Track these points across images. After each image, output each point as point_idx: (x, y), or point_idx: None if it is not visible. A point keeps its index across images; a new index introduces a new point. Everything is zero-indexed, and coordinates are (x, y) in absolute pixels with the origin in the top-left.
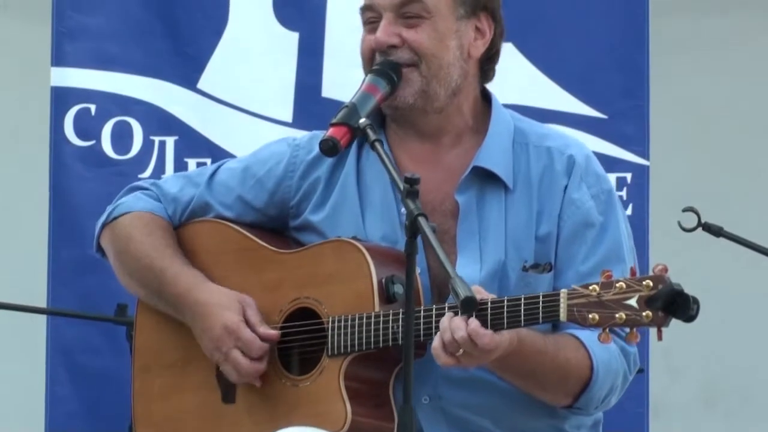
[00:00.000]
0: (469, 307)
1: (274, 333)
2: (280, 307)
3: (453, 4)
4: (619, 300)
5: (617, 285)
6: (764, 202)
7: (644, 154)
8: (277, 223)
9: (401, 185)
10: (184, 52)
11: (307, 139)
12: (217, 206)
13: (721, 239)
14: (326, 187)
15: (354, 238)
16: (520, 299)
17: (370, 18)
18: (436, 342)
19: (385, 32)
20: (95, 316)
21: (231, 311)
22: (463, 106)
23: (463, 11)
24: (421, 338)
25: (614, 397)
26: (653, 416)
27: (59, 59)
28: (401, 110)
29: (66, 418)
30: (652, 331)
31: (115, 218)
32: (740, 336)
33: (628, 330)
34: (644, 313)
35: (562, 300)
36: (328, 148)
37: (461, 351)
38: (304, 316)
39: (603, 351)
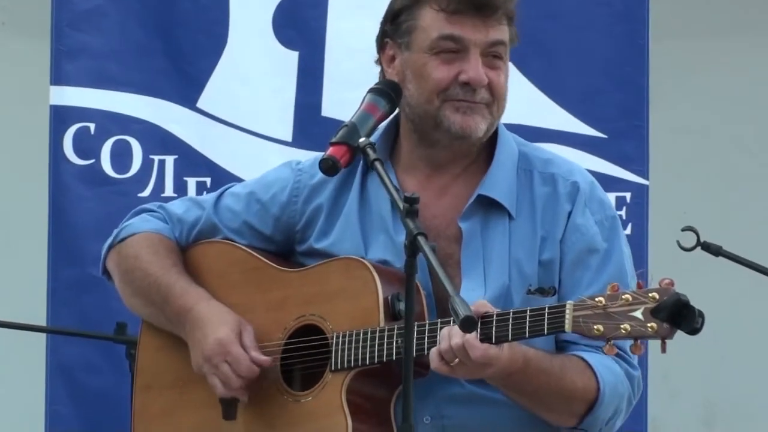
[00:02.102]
0: (469, 326)
1: (264, 359)
2: (285, 324)
3: (509, 49)
4: (625, 312)
5: (623, 297)
6: (763, 222)
7: (644, 174)
8: (284, 248)
9: (401, 204)
10: (184, 71)
11: (310, 163)
12: (224, 230)
13: (720, 258)
14: (329, 216)
15: (361, 257)
16: (525, 311)
17: (450, 48)
18: (434, 348)
19: (480, 71)
20: (94, 335)
21: (228, 327)
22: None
23: (509, 54)
24: (425, 352)
25: (619, 420)
26: None
27: (58, 78)
28: (467, 140)
29: None
30: (652, 350)
31: (122, 240)
32: (739, 356)
33: (631, 347)
34: (649, 325)
35: (567, 311)
36: (328, 167)
37: (456, 360)
38: (308, 334)
39: (609, 374)
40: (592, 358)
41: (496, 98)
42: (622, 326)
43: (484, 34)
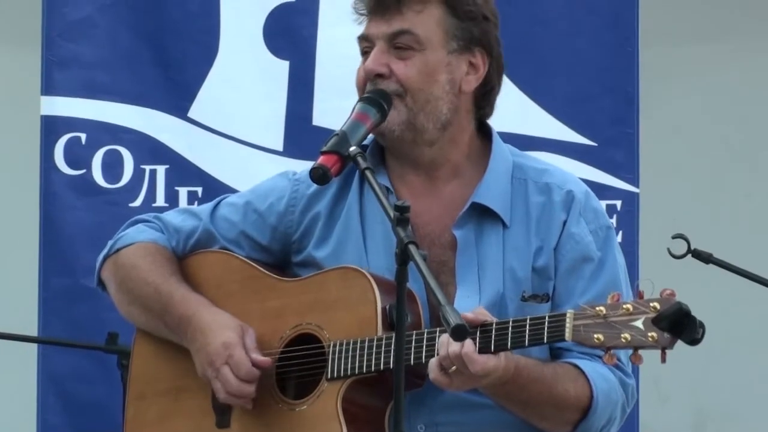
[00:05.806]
0: (461, 334)
1: (265, 360)
2: (281, 333)
3: (445, 38)
4: (625, 321)
5: (624, 307)
6: (754, 229)
7: (634, 181)
8: (280, 259)
9: (392, 213)
10: (175, 81)
11: (307, 173)
12: (221, 240)
13: (711, 266)
14: (327, 223)
15: (359, 266)
16: (525, 320)
17: (365, 48)
18: (433, 359)
19: (374, 61)
20: (86, 345)
21: (232, 331)
22: (457, 139)
23: (455, 45)
24: (423, 361)
25: (613, 428)
26: None
27: (49, 88)
28: (389, 139)
29: None
30: (646, 357)
31: (118, 250)
32: (729, 362)
33: (631, 356)
34: (650, 335)
35: (567, 320)
36: (319, 176)
37: (453, 368)
38: (304, 343)
39: (603, 381)
40: (585, 365)
41: (407, 89)
42: (622, 335)
43: (386, 27)
